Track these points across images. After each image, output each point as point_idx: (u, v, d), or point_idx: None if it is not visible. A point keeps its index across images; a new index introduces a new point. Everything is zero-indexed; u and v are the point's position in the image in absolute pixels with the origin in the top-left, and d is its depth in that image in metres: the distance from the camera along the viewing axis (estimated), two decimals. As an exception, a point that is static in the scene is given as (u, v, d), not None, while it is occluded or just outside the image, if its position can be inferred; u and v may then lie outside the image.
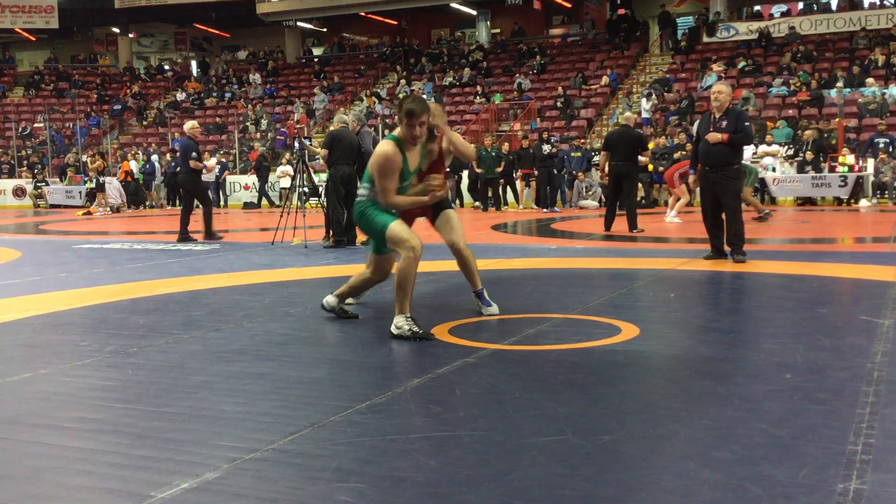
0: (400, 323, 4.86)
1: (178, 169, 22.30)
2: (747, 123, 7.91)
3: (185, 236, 11.80)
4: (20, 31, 34.33)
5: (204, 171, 12.65)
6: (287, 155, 22.19)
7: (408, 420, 3.33)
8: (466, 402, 3.69)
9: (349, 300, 5.83)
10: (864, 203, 16.48)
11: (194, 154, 11.70)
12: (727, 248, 8.07)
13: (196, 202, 12.11)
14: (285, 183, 20.22)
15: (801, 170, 17.60)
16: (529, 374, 4.05)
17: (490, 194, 18.76)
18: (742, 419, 3.24)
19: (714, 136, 7.84)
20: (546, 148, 18.17)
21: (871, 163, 17.12)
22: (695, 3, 28.79)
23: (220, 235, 12.08)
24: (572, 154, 18.66)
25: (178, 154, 22.99)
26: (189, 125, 12.13)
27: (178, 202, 23.00)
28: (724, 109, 7.93)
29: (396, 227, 4.97)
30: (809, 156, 17.51)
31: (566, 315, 5.46)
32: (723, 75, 23.03)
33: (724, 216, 8.00)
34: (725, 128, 7.82)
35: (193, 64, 36.15)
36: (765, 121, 19.94)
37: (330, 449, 3.05)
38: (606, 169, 11.82)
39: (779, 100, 21.46)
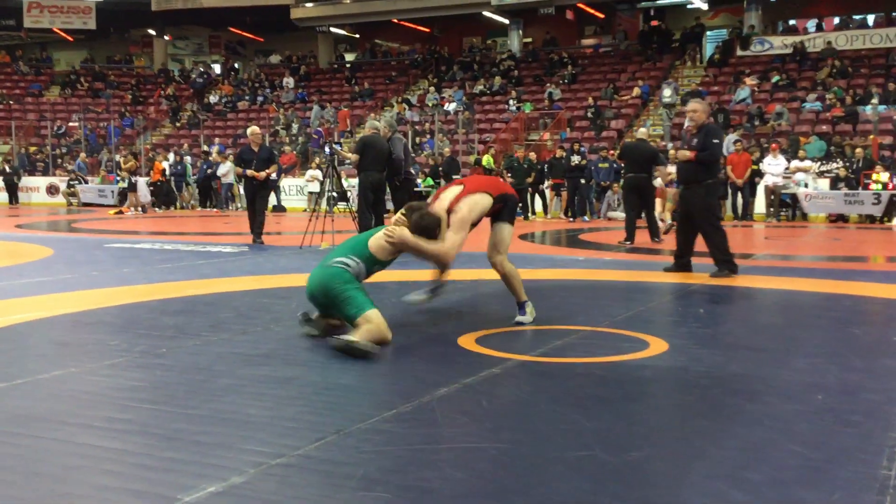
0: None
1: (210, 171, 22.67)
2: (715, 140, 7.93)
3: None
4: (58, 30, 34.85)
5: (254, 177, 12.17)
6: (317, 159, 22.31)
7: (434, 430, 3.32)
8: (493, 413, 3.67)
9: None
10: (897, 222, 16.25)
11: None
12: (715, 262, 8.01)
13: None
14: (314, 188, 20.31)
15: (833, 186, 17.41)
16: (557, 387, 4.03)
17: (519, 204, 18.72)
18: (773, 440, 3.20)
19: (683, 154, 7.99)
20: (575, 159, 18.09)
21: (905, 181, 16.87)
22: (729, 17, 28.61)
23: (260, 241, 11.89)
24: (599, 165, 18.58)
25: (211, 156, 23.33)
26: (249, 130, 12.25)
27: (208, 204, 23.23)
28: (698, 127, 7.99)
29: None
30: (843, 172, 17.31)
31: (594, 328, 5.43)
32: (756, 89, 22.84)
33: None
34: (695, 146, 7.90)
35: (217, 67, 36.46)
36: (798, 136, 19.73)
37: (356, 457, 3.04)
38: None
39: (812, 115, 21.23)
